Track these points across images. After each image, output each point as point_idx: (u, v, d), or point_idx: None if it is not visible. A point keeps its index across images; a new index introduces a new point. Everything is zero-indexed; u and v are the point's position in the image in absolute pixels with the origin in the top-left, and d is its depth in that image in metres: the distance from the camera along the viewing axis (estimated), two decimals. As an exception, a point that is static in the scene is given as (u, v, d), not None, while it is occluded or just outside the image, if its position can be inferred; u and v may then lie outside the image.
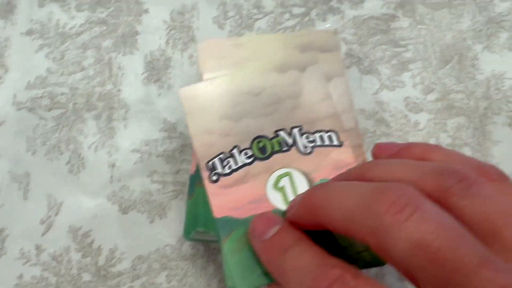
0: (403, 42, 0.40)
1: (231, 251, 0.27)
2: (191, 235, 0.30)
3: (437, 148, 0.22)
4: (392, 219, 0.17)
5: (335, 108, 0.30)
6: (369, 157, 0.35)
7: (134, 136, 0.37)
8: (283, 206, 0.28)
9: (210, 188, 0.28)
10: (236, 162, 0.29)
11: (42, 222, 0.35)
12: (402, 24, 0.40)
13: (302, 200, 0.23)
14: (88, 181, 0.36)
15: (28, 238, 0.35)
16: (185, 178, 0.36)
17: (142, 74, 0.38)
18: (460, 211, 0.18)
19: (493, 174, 0.20)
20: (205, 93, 0.30)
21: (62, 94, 0.38)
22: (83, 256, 0.34)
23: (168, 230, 0.35)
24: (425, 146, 0.23)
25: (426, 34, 0.40)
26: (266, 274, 0.26)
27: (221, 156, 0.29)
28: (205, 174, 0.28)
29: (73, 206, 0.35)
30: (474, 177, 0.19)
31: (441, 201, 0.18)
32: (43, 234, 0.35)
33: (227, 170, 0.29)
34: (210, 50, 0.31)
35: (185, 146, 0.37)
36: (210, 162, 0.29)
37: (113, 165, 0.36)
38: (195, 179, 0.30)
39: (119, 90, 0.38)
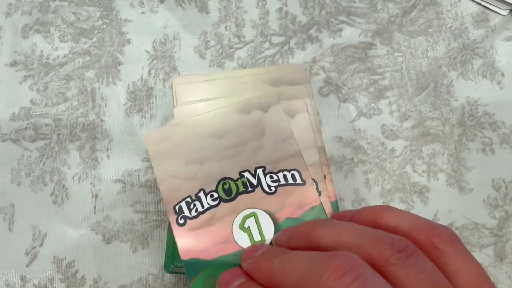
0: (380, 70, 0.41)
1: None
2: (170, 268, 0.31)
3: (388, 209, 0.24)
4: (334, 283, 0.18)
5: (297, 146, 0.31)
6: (334, 180, 0.36)
7: (116, 166, 0.38)
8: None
9: (177, 231, 0.29)
10: (202, 205, 0.29)
11: (27, 253, 0.36)
12: (379, 52, 0.41)
13: (260, 265, 0.24)
14: (72, 211, 0.36)
15: (13, 269, 0.35)
16: (167, 207, 0.37)
17: (125, 104, 0.39)
18: (397, 280, 0.19)
19: (444, 234, 0.21)
20: (170, 137, 0.30)
21: (46, 125, 0.39)
22: (67, 287, 0.35)
23: (150, 259, 0.36)
24: (376, 208, 0.24)
25: (403, 62, 0.41)
26: None
27: (187, 199, 0.29)
28: (172, 217, 0.29)
29: (57, 236, 0.36)
30: (412, 248, 0.20)
31: (382, 269, 0.20)
32: (27, 265, 0.35)
33: (194, 213, 0.29)
34: (183, 86, 0.32)
35: (167, 176, 0.37)
36: (177, 206, 0.29)
37: (96, 196, 0.37)
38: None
39: (102, 121, 0.39)
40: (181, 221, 0.29)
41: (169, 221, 0.32)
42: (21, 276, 0.35)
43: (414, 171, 0.38)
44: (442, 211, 0.37)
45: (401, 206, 0.37)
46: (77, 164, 0.38)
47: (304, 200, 0.30)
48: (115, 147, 0.38)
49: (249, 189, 0.30)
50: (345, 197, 0.37)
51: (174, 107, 0.31)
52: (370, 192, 0.37)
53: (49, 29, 0.41)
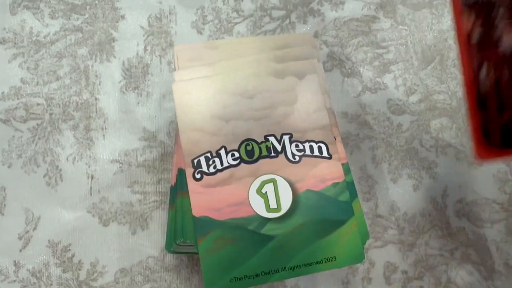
0: (385, 44, 0.40)
1: (206, 251, 0.26)
2: (172, 247, 0.29)
3: None
4: None
5: (328, 120, 0.30)
6: (349, 156, 0.35)
7: (113, 146, 0.36)
8: (264, 212, 0.28)
9: (192, 185, 0.28)
10: (222, 163, 0.28)
11: (20, 238, 0.34)
12: (383, 25, 0.40)
13: None
14: (67, 193, 0.35)
15: (6, 254, 0.34)
16: (166, 187, 0.35)
17: (120, 82, 0.38)
18: None
19: None
20: (198, 90, 0.29)
21: (38, 104, 0.37)
22: (64, 271, 0.33)
23: (150, 242, 0.34)
24: None
25: (407, 35, 0.40)
26: (237, 280, 0.26)
27: (207, 154, 0.28)
28: (189, 171, 0.28)
29: (51, 220, 0.34)
30: None
31: None
32: (21, 250, 0.34)
33: (212, 170, 0.28)
34: (186, 52, 0.30)
35: (166, 155, 0.36)
36: (196, 160, 0.28)
37: (92, 177, 0.35)
38: (176, 190, 0.30)
39: (96, 99, 0.37)
40: (198, 176, 0.28)
41: (172, 198, 0.30)
42: (14, 261, 0.33)
43: (422, 146, 0.37)
44: (451, 186, 0.36)
45: (409, 182, 0.36)
46: (71, 144, 0.36)
47: (328, 175, 0.29)
48: (111, 126, 0.36)
49: (272, 154, 0.29)
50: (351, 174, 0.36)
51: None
52: (377, 168, 0.36)
53: (39, 5, 0.39)
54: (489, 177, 0.36)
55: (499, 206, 0.35)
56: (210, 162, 0.28)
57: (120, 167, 0.35)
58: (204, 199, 0.27)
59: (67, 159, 0.36)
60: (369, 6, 0.41)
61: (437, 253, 0.34)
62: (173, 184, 0.30)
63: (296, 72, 0.30)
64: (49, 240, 0.34)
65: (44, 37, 0.39)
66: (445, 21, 0.40)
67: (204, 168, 0.28)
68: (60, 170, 0.35)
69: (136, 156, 0.36)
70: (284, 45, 0.31)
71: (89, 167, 0.35)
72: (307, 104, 0.30)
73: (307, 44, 0.31)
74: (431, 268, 0.34)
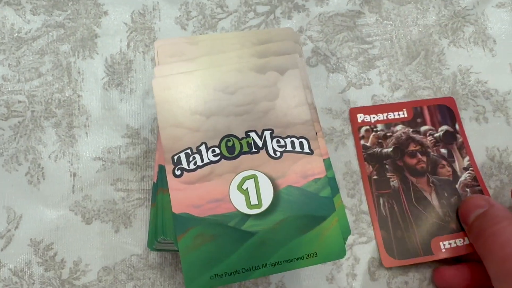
0: (370, 39, 0.39)
1: (186, 248, 0.26)
2: (154, 245, 0.29)
3: None
4: None
5: (310, 115, 0.29)
6: (334, 152, 0.34)
7: (96, 143, 0.36)
8: (244, 209, 0.27)
9: (172, 182, 0.27)
10: (202, 159, 0.28)
11: (2, 236, 0.34)
12: (368, 20, 0.40)
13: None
14: (49, 192, 0.34)
15: (-13, 253, 0.33)
16: (150, 185, 0.35)
17: (103, 78, 0.37)
18: None
19: None
20: (178, 85, 0.29)
21: (19, 102, 0.36)
22: (46, 270, 0.33)
23: (134, 239, 0.34)
24: None
25: (392, 30, 0.40)
26: (218, 277, 0.26)
27: (187, 151, 0.28)
28: (169, 167, 0.28)
29: (33, 218, 0.34)
30: None
31: None
32: (2, 249, 0.33)
33: (192, 166, 0.28)
34: (166, 48, 0.30)
35: (149, 152, 0.36)
36: (176, 156, 0.28)
37: (74, 174, 0.35)
38: (157, 187, 0.29)
39: (79, 96, 0.37)
40: (178, 172, 0.27)
41: (154, 195, 0.30)
42: (-4, 260, 0.33)
43: (407, 141, 0.37)
44: (436, 181, 0.36)
45: (394, 178, 0.36)
46: (53, 142, 0.36)
47: (309, 170, 0.28)
48: (94, 124, 0.36)
49: (253, 150, 0.28)
50: (336, 170, 0.36)
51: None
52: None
53: (20, 1, 0.39)
54: (484, 182, 0.36)
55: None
56: (190, 158, 0.28)
57: (103, 164, 0.35)
58: (184, 196, 0.27)
59: (49, 157, 0.35)
60: (354, 1, 0.40)
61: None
62: (155, 181, 0.30)
63: (277, 67, 0.30)
64: (31, 239, 0.33)
65: (26, 34, 0.38)
66: (430, 16, 0.40)
67: (184, 165, 0.28)
68: (42, 168, 0.35)
69: (119, 153, 0.35)
70: (266, 40, 0.31)
71: (71, 165, 0.35)
72: (288, 99, 0.29)
73: (290, 39, 0.31)
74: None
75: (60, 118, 0.36)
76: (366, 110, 0.37)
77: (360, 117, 0.37)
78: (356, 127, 0.36)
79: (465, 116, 0.37)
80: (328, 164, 0.29)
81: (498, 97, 0.38)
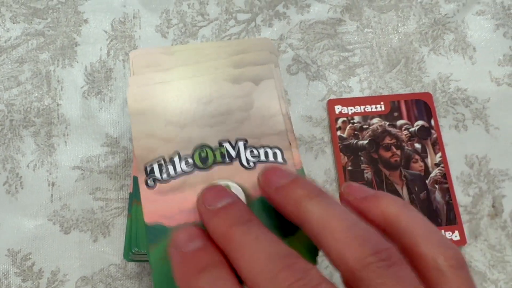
0: (350, 47, 0.40)
1: (157, 260, 0.26)
2: (130, 256, 0.29)
3: (404, 208, 0.22)
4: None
5: (284, 125, 0.29)
6: (305, 161, 0.34)
7: (75, 152, 0.36)
8: None
9: (145, 193, 0.27)
10: (175, 169, 0.28)
11: (-21, 247, 0.33)
12: (349, 28, 0.40)
13: (218, 225, 0.23)
14: (27, 201, 0.34)
15: (-36, 264, 0.33)
16: (128, 194, 0.35)
17: (82, 87, 0.37)
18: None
19: (453, 258, 0.20)
20: (153, 96, 0.29)
21: (-2, 110, 0.36)
22: (23, 280, 0.33)
23: (112, 249, 0.34)
24: (392, 202, 0.22)
25: (373, 38, 0.40)
26: None
27: (161, 161, 0.28)
28: (142, 178, 0.28)
29: (11, 228, 0.34)
30: (396, 257, 0.19)
31: (356, 273, 0.18)
32: (-20, 259, 0.33)
33: (165, 177, 0.28)
34: (142, 58, 0.30)
35: (128, 161, 0.35)
36: (149, 166, 0.28)
37: (53, 184, 0.35)
38: (132, 197, 0.29)
39: (58, 105, 0.37)
40: (151, 183, 0.27)
41: (130, 206, 0.30)
42: (-27, 271, 0.33)
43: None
44: (415, 189, 0.36)
45: (374, 186, 0.36)
46: (32, 151, 0.35)
47: None
48: (73, 132, 0.36)
49: (227, 160, 0.28)
50: (316, 178, 0.36)
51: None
52: (341, 172, 0.36)
53: (0, 10, 0.39)
54: (452, 179, 0.36)
55: (462, 209, 0.36)
56: (163, 168, 0.28)
57: (82, 173, 0.35)
58: (156, 206, 0.27)
59: (27, 166, 0.35)
60: (335, 9, 0.41)
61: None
62: (131, 190, 0.30)
63: (252, 78, 0.30)
64: (8, 249, 0.33)
65: (5, 42, 0.38)
66: (411, 24, 0.40)
67: (157, 175, 0.28)
68: (21, 177, 0.35)
69: (98, 162, 0.35)
70: (242, 50, 0.31)
71: (50, 174, 0.35)
72: (263, 110, 0.29)
73: (266, 49, 0.31)
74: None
75: (39, 127, 0.36)
76: (344, 102, 0.37)
77: (338, 109, 0.37)
78: (333, 118, 0.37)
79: (445, 123, 0.38)
80: (301, 174, 0.29)
81: (477, 105, 0.38)
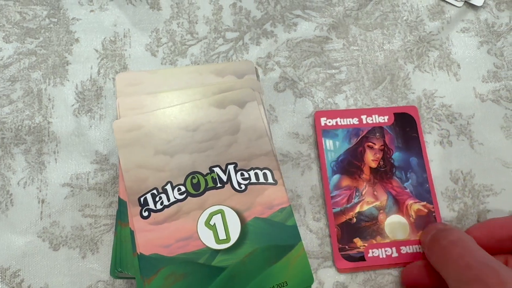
0: (337, 64, 0.40)
1: None
2: (116, 274, 0.30)
3: None
4: None
5: (271, 146, 0.30)
6: (291, 177, 0.35)
7: (64, 169, 0.36)
8: (213, 244, 0.28)
9: (139, 224, 0.28)
10: (168, 198, 0.28)
11: (-31, 264, 0.34)
12: (335, 46, 0.41)
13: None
14: (17, 218, 0.35)
15: (-46, 281, 0.33)
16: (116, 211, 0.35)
17: (73, 105, 0.38)
18: None
19: None
20: (140, 126, 0.29)
21: (-10, 129, 0.37)
22: (12, 297, 0.33)
23: (100, 265, 0.34)
24: None
25: (359, 55, 0.41)
26: None
27: (153, 191, 0.28)
28: (135, 209, 0.28)
29: (1, 245, 0.34)
30: None
31: None
32: (-31, 276, 0.34)
33: (159, 206, 0.28)
34: (126, 80, 0.31)
35: (117, 178, 0.36)
36: (142, 198, 0.28)
37: (43, 201, 0.35)
38: (118, 217, 0.30)
39: (49, 123, 0.37)
40: (145, 214, 0.28)
41: (116, 224, 0.30)
42: (-37, 288, 0.33)
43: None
44: (400, 205, 0.36)
45: (359, 202, 0.36)
46: (22, 168, 0.36)
47: (274, 201, 0.29)
48: (63, 150, 0.37)
49: (218, 185, 0.29)
50: (302, 194, 0.36)
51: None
52: (327, 188, 0.37)
53: (-7, 29, 0.40)
54: (437, 195, 0.37)
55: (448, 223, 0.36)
56: (157, 198, 0.28)
57: (72, 191, 0.36)
58: (152, 237, 0.27)
59: (18, 183, 0.36)
60: (322, 27, 0.41)
61: (385, 272, 0.35)
62: (118, 208, 0.30)
63: (237, 101, 0.30)
64: (-2, 266, 0.34)
65: (-2, 61, 0.39)
66: (396, 42, 0.41)
67: (151, 205, 0.28)
68: (11, 195, 0.35)
69: (88, 179, 0.36)
70: (223, 68, 0.32)
71: (40, 191, 0.35)
72: (249, 132, 0.30)
73: (248, 72, 0.32)
74: (380, 287, 0.34)
75: (30, 144, 0.37)
76: (330, 114, 0.38)
77: (323, 121, 0.37)
78: (319, 130, 0.37)
79: (430, 139, 0.38)
80: (289, 213, 0.29)
81: (462, 121, 0.39)
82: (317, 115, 0.38)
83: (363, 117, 0.38)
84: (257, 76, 0.35)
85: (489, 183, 0.37)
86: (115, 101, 0.38)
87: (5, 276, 0.34)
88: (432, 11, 0.42)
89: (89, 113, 0.38)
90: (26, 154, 0.36)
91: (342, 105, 0.39)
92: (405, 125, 0.38)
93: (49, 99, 0.38)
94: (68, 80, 0.38)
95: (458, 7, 0.43)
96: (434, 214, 0.35)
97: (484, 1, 0.42)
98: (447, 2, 0.43)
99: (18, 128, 0.37)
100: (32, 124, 0.37)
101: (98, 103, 0.38)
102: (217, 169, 0.29)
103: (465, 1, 0.42)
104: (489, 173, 0.37)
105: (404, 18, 0.42)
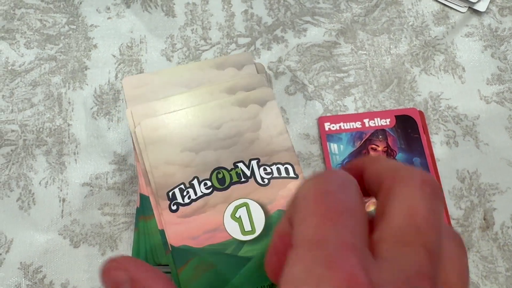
0: (345, 68, 0.42)
1: (187, 279, 0.27)
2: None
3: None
4: None
5: (291, 142, 0.31)
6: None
7: (84, 170, 0.37)
8: (239, 236, 0.29)
9: (169, 217, 0.29)
10: (195, 192, 0.30)
11: (-7, 260, 0.35)
12: (343, 50, 0.42)
13: None
14: (39, 216, 0.36)
15: (-21, 277, 0.35)
16: (135, 209, 0.36)
17: (92, 108, 0.39)
18: None
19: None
20: (166, 125, 0.31)
21: (12, 131, 0.38)
22: (35, 292, 0.34)
23: (119, 262, 0.35)
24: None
25: (367, 59, 0.42)
26: None
27: (181, 186, 0.30)
28: (164, 203, 0.29)
29: (24, 242, 0.35)
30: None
31: None
32: (-7, 272, 0.35)
33: (186, 200, 0.29)
34: (132, 82, 0.32)
35: (135, 178, 0.37)
36: (170, 192, 0.30)
37: (63, 200, 0.37)
38: (139, 213, 0.31)
39: (69, 125, 0.39)
40: (174, 207, 0.29)
41: (137, 221, 0.32)
42: (-13, 284, 0.35)
43: (381, 165, 0.39)
44: (409, 203, 0.37)
45: (369, 200, 0.37)
46: (44, 169, 0.37)
47: None
48: (83, 151, 0.38)
49: (243, 179, 0.30)
50: (313, 193, 0.37)
51: (126, 107, 0.32)
52: (338, 187, 0.38)
53: (15, 36, 0.41)
54: (445, 194, 0.38)
55: (454, 222, 0.37)
56: (184, 193, 0.29)
57: (91, 190, 0.37)
58: (181, 229, 0.29)
59: (39, 183, 0.37)
60: (330, 33, 0.43)
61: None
62: (138, 205, 0.32)
63: (257, 100, 0.32)
64: (21, 262, 0.35)
65: (20, 66, 0.40)
66: (402, 46, 0.43)
67: (179, 199, 0.29)
68: (33, 194, 0.37)
69: (107, 179, 0.37)
70: (223, 61, 0.33)
71: (61, 190, 0.37)
72: (270, 129, 0.31)
73: (247, 63, 0.33)
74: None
75: (50, 146, 0.38)
76: (333, 119, 0.39)
77: (327, 125, 0.39)
78: (324, 134, 0.38)
79: (436, 140, 0.39)
80: None
81: (467, 122, 0.40)
82: (321, 120, 0.39)
83: (366, 120, 0.39)
84: (268, 80, 0.36)
85: (494, 182, 0.38)
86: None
87: (28, 272, 0.35)
88: (437, 17, 0.44)
89: (107, 116, 0.39)
90: (47, 155, 0.38)
91: (351, 108, 0.40)
92: (407, 126, 0.39)
93: (69, 103, 0.39)
94: (87, 84, 0.40)
95: (462, 12, 0.44)
96: (441, 212, 0.36)
97: (488, 6, 0.44)
98: (451, 8, 0.44)
99: (39, 130, 0.38)
100: (53, 126, 0.39)
101: (116, 106, 0.39)
102: (241, 165, 0.30)
103: (469, 7, 0.44)
104: (495, 172, 0.38)
105: (410, 23, 0.44)
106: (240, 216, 0.29)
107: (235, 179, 0.30)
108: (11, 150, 0.38)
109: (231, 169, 0.30)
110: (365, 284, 0.14)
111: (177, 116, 0.31)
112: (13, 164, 0.37)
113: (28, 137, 0.38)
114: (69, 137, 0.38)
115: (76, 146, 0.38)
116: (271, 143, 0.31)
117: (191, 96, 0.32)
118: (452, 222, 0.37)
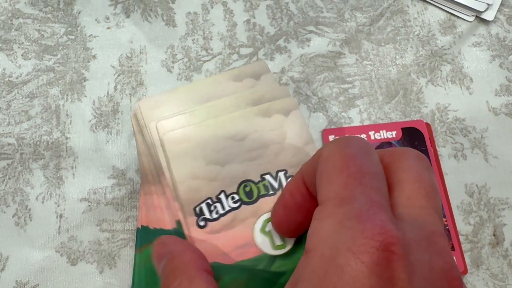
0: (350, 79, 0.41)
1: None
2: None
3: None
4: None
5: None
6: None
7: (82, 184, 0.36)
8: (270, 250, 0.28)
9: (197, 233, 0.28)
10: (223, 207, 0.28)
11: (-12, 278, 0.34)
12: (348, 61, 0.41)
13: None
14: (36, 233, 0.35)
15: (-27, 295, 0.34)
16: (134, 225, 0.35)
17: (90, 120, 0.38)
18: None
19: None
20: (189, 138, 0.29)
21: (9, 144, 0.37)
22: (31, 312, 0.33)
23: (118, 280, 0.34)
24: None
25: (372, 70, 0.41)
26: None
27: (208, 201, 0.29)
28: (191, 219, 0.28)
29: (19, 260, 0.34)
30: None
31: None
32: (-12, 291, 0.34)
33: (214, 215, 0.28)
34: (149, 104, 0.31)
35: (134, 193, 0.36)
36: (197, 207, 0.28)
37: (60, 216, 0.36)
38: (143, 236, 0.30)
39: (67, 138, 0.38)
40: (202, 223, 0.28)
41: (136, 242, 0.31)
42: (-18, 303, 0.34)
43: (387, 179, 0.38)
44: (416, 218, 0.36)
45: (375, 215, 0.36)
46: (41, 183, 0.36)
47: None
48: (81, 165, 0.37)
49: (271, 192, 0.29)
50: (317, 208, 0.36)
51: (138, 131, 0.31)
52: (343, 202, 0.37)
53: (12, 47, 0.40)
54: (453, 208, 0.37)
55: (463, 238, 0.36)
56: (212, 207, 0.28)
57: (89, 205, 0.36)
58: (211, 246, 0.27)
59: (36, 198, 0.36)
60: (335, 43, 0.42)
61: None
62: (140, 226, 0.31)
63: (281, 110, 0.31)
64: (16, 281, 0.34)
65: (17, 78, 0.39)
66: (408, 56, 0.42)
67: (207, 215, 0.28)
68: (30, 209, 0.36)
69: (105, 194, 0.36)
70: (239, 72, 0.32)
71: (58, 206, 0.36)
72: (296, 139, 0.30)
73: (263, 72, 0.32)
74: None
75: (48, 160, 0.37)
76: (338, 131, 0.38)
77: (332, 138, 0.38)
78: None
79: (444, 153, 0.38)
80: None
81: (476, 134, 0.39)
82: (326, 133, 0.38)
83: (371, 133, 0.38)
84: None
85: (504, 196, 0.37)
86: (131, 116, 0.38)
87: (24, 291, 0.34)
88: (444, 26, 0.43)
89: (106, 129, 0.38)
90: (45, 169, 0.37)
91: (356, 120, 0.39)
92: (414, 139, 0.38)
93: (67, 115, 0.38)
94: (86, 96, 0.39)
95: (469, 21, 0.43)
96: (447, 227, 0.35)
97: (495, 15, 0.43)
98: (458, 17, 0.43)
99: (37, 144, 0.37)
100: (50, 139, 0.38)
101: (115, 119, 0.38)
102: (268, 177, 0.29)
103: (476, 16, 0.43)
104: (505, 186, 0.37)
105: (416, 33, 0.43)
106: (270, 230, 0.28)
107: (262, 192, 0.29)
108: (7, 164, 0.37)
109: (258, 182, 0.29)
110: (397, 236, 0.16)
111: (200, 129, 0.30)
112: (9, 178, 0.36)
113: (25, 150, 0.37)
114: (66, 151, 0.37)
115: (74, 160, 0.37)
116: (298, 154, 0.30)
117: (213, 107, 0.31)
118: (461, 238, 0.36)
